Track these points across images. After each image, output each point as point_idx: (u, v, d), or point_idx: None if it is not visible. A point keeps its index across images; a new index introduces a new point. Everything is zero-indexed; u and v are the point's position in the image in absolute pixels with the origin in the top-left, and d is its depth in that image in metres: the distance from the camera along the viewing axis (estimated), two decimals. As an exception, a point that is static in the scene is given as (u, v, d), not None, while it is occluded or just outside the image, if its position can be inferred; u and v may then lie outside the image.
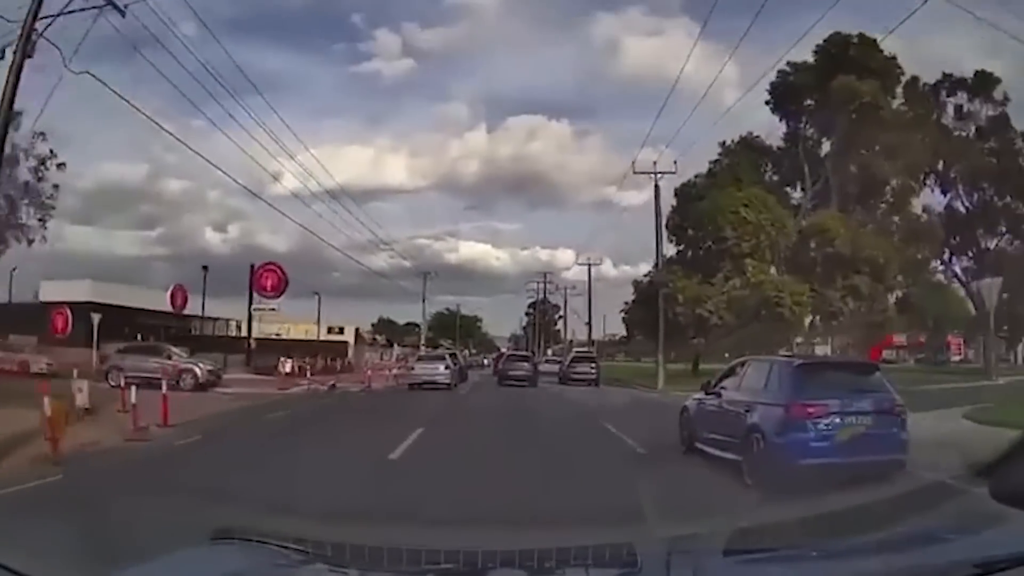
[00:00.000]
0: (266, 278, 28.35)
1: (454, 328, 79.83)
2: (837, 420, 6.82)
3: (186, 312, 30.28)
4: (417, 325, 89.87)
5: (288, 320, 47.35)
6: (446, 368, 22.23)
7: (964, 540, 2.07)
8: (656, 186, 27.11)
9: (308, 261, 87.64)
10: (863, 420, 6.90)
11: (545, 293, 67.17)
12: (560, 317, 78.33)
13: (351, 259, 56.73)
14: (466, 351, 73.45)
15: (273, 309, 29.80)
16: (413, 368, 23.77)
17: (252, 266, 28.78)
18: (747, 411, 7.53)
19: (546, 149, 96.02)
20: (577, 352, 45.16)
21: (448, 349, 44.41)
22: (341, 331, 53.64)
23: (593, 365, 31.09)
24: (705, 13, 63.31)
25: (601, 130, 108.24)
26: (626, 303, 37.52)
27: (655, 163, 27.26)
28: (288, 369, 21.92)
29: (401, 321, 78.83)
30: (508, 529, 4.04)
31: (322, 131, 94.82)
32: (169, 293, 27.08)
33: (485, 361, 60.79)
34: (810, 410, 6.81)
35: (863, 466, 6.24)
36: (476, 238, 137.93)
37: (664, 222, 30.88)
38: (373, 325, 77.41)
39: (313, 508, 4.40)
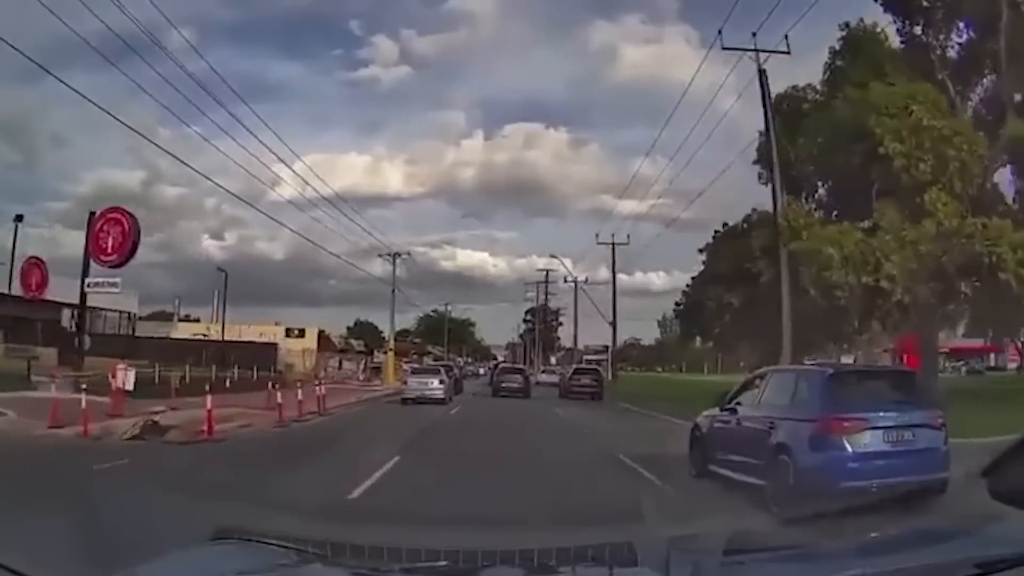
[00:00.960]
0: (105, 233, 24.94)
1: (444, 332, 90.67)
2: (876, 436, 8.19)
3: (68, 301, 28.52)
4: (407, 332, 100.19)
5: (244, 321, 55.74)
6: (440, 383, 31.23)
7: (964, 540, 2.95)
8: (760, 71, 25.97)
9: (305, 268, 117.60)
10: (904, 435, 8.29)
11: (547, 296, 77.70)
12: (559, 324, 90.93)
13: (351, 264, 67.75)
14: (459, 359, 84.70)
15: (114, 285, 26.16)
16: (406, 382, 33.02)
17: (91, 215, 25.66)
18: (771, 429, 8.88)
19: (543, 157, 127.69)
20: (588, 361, 55.22)
21: (441, 362, 54.25)
22: (302, 334, 60.01)
23: (596, 378, 39.23)
24: (702, 20, 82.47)
25: (599, 139, 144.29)
26: (692, 278, 36.64)
27: (754, 35, 25.82)
28: (128, 384, 19.11)
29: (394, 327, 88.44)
30: (508, 529, 5.24)
31: (319, 139, 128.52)
32: (20, 271, 27.49)
33: (481, 371, 75.20)
34: (846, 425, 8.17)
35: (905, 488, 7.42)
36: (473, 246, 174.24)
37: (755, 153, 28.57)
38: (349, 328, 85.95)
39: None
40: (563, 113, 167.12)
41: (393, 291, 54.91)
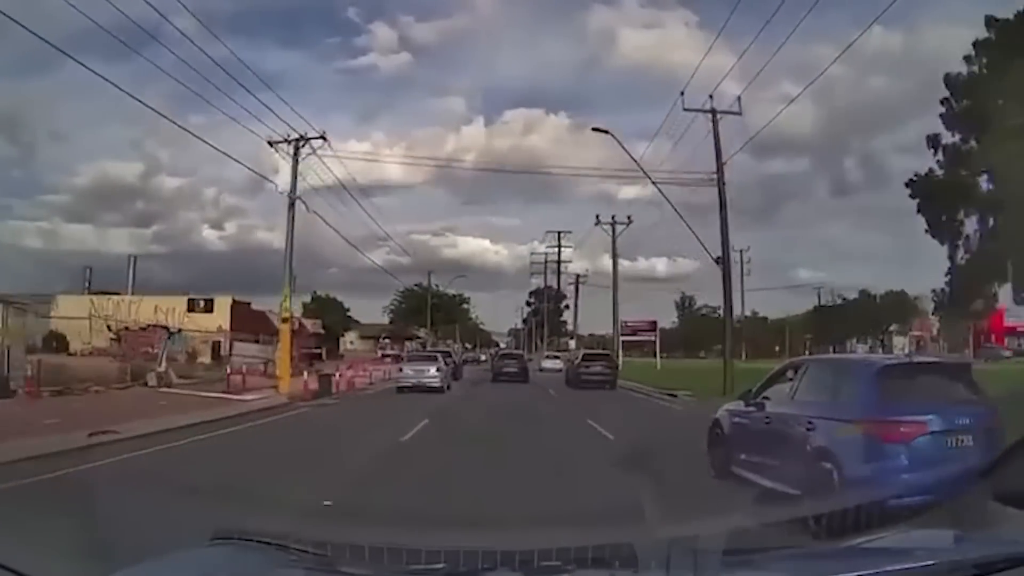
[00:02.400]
0: None
1: (427, 310, 78.30)
2: (936, 442, 7.47)
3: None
4: (389, 312, 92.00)
5: (151, 294, 51.28)
6: (437, 370, 31.45)
7: (964, 540, 3.04)
8: None
9: (305, 258, 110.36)
10: (964, 440, 7.57)
11: (559, 265, 76.30)
12: (566, 307, 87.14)
13: (358, 250, 61.65)
14: (454, 343, 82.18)
15: None
16: (402, 369, 32.59)
17: None
18: (810, 430, 8.13)
19: (544, 143, 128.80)
20: (626, 343, 50.87)
21: (437, 348, 49.04)
22: (209, 307, 50.40)
23: (609, 364, 37.18)
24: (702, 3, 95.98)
25: (600, 123, 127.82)
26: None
27: None
28: None
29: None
30: (508, 529, 5.34)
31: (319, 126, 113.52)
32: None
33: (482, 357, 75.46)
34: (903, 429, 7.40)
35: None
36: (474, 233, 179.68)
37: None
38: (305, 305, 70.82)
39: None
40: (563, 98, 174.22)
41: (292, 202, 31.59)
